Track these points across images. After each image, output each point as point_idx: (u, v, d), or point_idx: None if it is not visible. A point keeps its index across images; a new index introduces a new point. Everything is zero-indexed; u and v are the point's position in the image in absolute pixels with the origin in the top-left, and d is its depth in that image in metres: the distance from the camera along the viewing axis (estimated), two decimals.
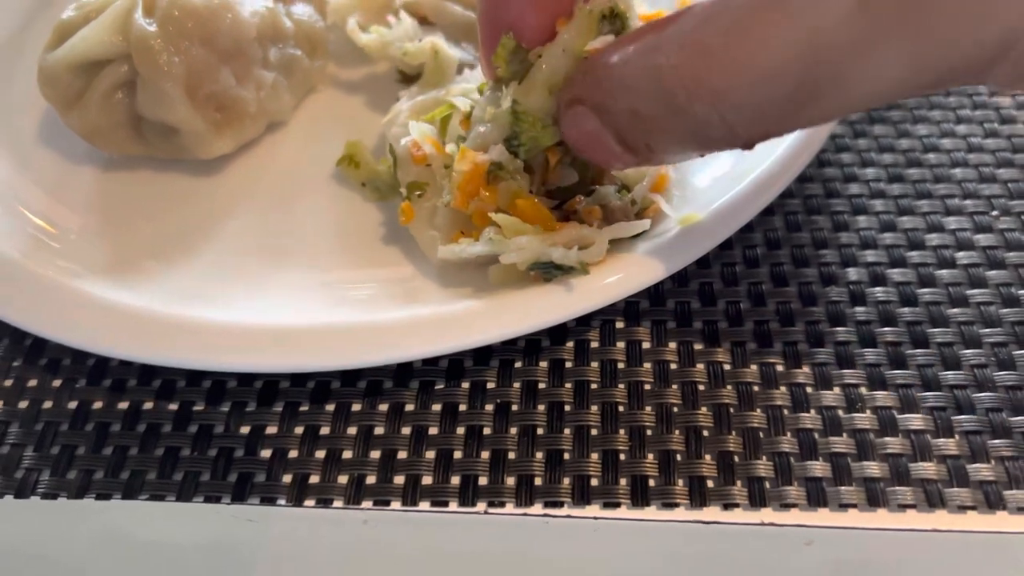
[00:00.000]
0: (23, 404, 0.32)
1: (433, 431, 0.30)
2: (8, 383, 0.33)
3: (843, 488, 0.28)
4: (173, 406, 0.32)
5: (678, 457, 0.29)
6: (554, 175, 0.32)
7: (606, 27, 0.28)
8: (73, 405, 0.32)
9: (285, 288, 0.33)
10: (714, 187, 0.33)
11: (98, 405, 0.32)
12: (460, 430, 0.30)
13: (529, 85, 0.29)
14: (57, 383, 0.33)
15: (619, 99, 0.26)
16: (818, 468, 0.28)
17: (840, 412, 0.30)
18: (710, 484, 0.28)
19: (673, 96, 0.25)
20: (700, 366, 0.31)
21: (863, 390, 0.30)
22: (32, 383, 0.33)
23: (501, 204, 0.30)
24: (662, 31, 0.25)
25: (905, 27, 0.22)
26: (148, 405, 0.32)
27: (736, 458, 0.29)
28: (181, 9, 0.34)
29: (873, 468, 0.28)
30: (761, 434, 0.29)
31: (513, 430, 0.30)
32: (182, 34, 0.34)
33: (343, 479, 0.29)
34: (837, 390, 0.30)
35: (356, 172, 0.36)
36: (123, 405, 0.32)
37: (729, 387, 0.31)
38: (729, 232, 0.32)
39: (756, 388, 0.31)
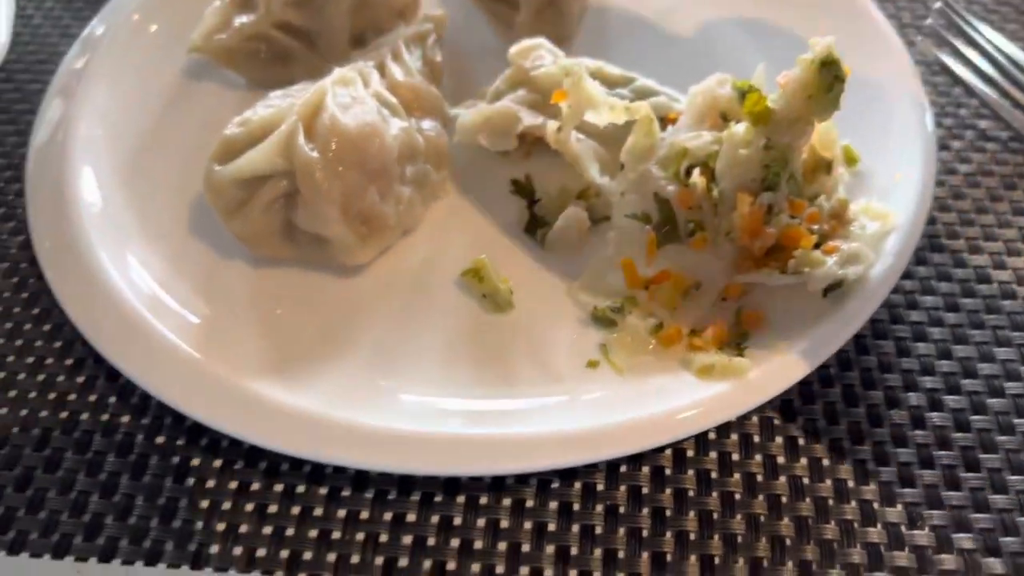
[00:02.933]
0: (189, 482, 0.37)
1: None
2: (175, 461, 0.37)
3: None
4: (323, 490, 0.36)
5: (763, 564, 0.34)
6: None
7: (826, 74, 0.36)
8: (234, 485, 0.37)
9: (418, 392, 0.38)
10: None
11: (256, 487, 0.36)
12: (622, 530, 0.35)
13: (775, 126, 0.37)
14: (218, 463, 0.37)
15: None
16: None
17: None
18: None
19: None
20: (782, 479, 0.36)
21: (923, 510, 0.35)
22: (195, 462, 0.37)
23: (777, 238, 0.38)
24: None
25: None
26: (300, 488, 0.36)
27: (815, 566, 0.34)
28: (339, 136, 0.38)
29: None
30: (835, 544, 0.34)
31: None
32: (339, 160, 0.38)
33: (476, 567, 0.34)
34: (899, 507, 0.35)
35: (479, 285, 0.40)
36: (279, 488, 0.36)
37: (808, 500, 0.36)
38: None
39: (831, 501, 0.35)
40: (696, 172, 0.39)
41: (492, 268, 0.40)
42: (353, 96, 0.40)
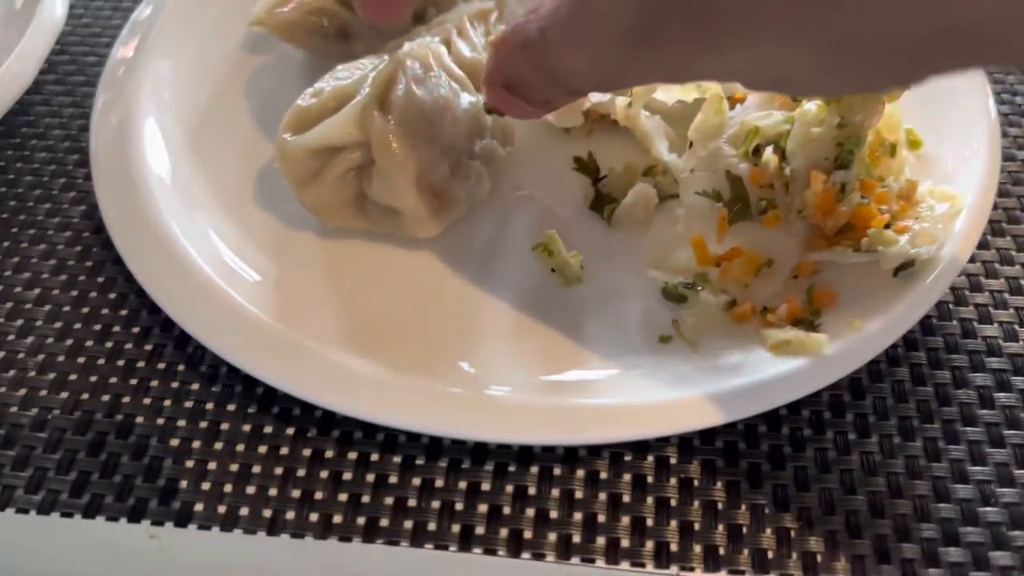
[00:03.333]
0: (262, 449, 0.37)
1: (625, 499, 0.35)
2: (247, 428, 0.38)
3: None
4: (397, 459, 0.36)
5: (839, 537, 0.34)
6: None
7: None
8: (307, 453, 0.37)
9: (496, 363, 0.38)
10: None
11: (329, 454, 0.37)
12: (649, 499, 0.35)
13: (847, 104, 0.38)
14: (291, 431, 0.37)
15: (512, 75, 0.33)
16: None
17: None
18: None
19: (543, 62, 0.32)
20: (855, 456, 0.36)
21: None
22: (268, 429, 0.37)
23: (849, 217, 0.38)
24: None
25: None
26: (375, 456, 0.36)
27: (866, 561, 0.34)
28: (415, 109, 0.38)
29: None
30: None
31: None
32: (414, 132, 0.38)
33: (552, 536, 0.34)
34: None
35: (549, 259, 0.40)
36: (352, 455, 0.37)
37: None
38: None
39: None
40: (769, 151, 0.40)
41: (561, 242, 0.40)
42: (426, 70, 0.40)
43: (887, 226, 0.38)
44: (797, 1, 0.24)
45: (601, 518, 0.35)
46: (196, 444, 0.37)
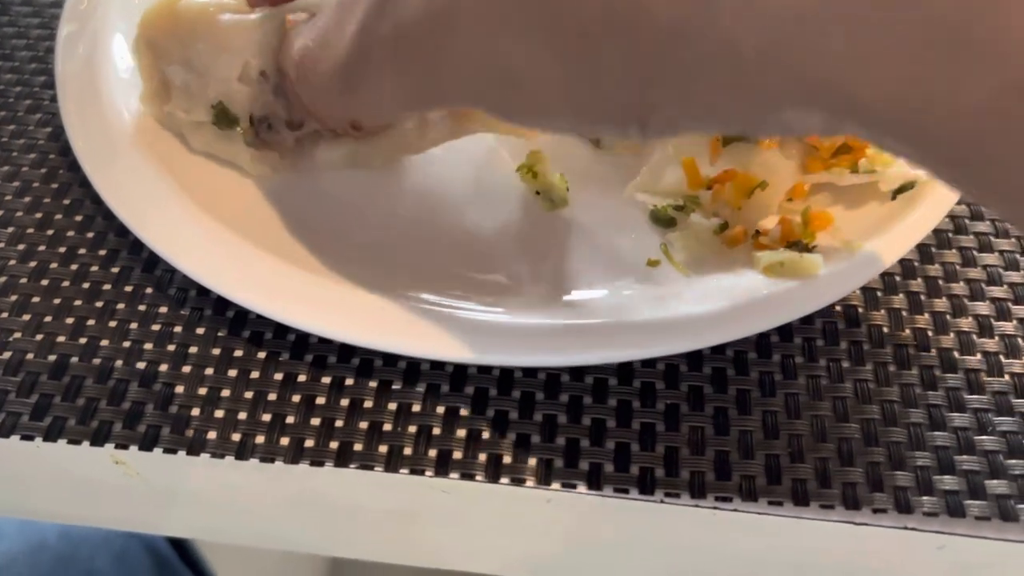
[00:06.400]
0: (232, 373, 0.35)
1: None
2: (216, 351, 0.36)
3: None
4: (373, 383, 0.35)
5: (830, 465, 0.33)
6: None
7: None
8: (279, 377, 0.35)
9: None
10: None
11: (302, 378, 0.35)
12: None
13: None
14: (262, 355, 0.36)
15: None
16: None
17: None
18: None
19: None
20: (848, 384, 0.35)
21: None
22: (238, 353, 0.36)
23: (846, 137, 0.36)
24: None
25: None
26: (349, 381, 0.35)
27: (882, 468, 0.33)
28: None
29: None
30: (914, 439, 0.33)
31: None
32: None
33: (532, 462, 0.33)
34: None
35: (533, 181, 0.39)
36: (326, 380, 0.35)
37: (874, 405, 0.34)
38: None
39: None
40: None
41: (548, 163, 0.39)
42: None
43: None
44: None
45: (584, 444, 0.33)
46: (163, 367, 0.35)
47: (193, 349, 0.36)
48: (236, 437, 0.34)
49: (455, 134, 0.39)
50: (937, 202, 0.36)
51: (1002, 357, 0.36)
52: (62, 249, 0.39)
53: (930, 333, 0.36)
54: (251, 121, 0.38)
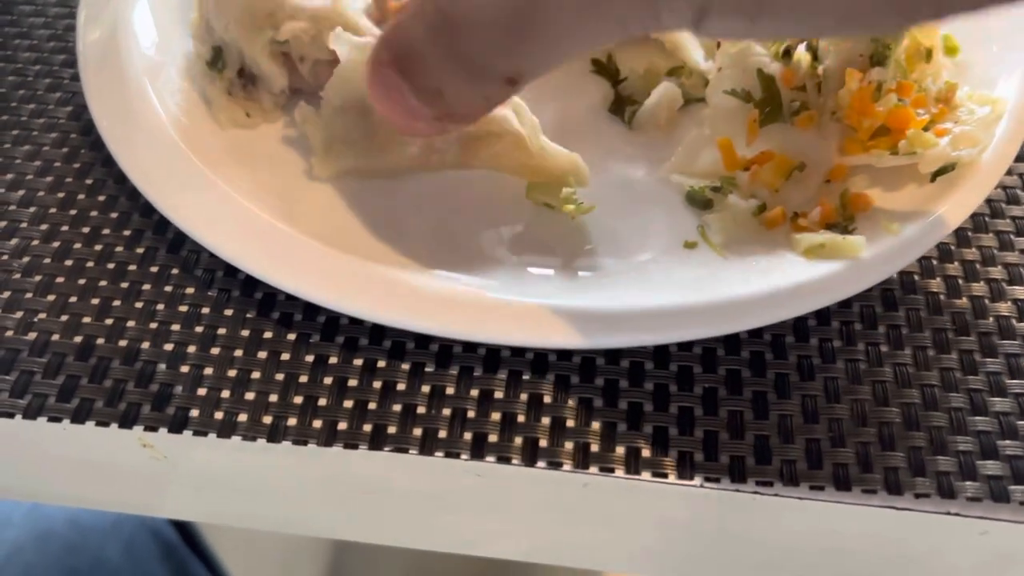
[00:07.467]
0: (262, 354, 0.35)
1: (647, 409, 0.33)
2: (245, 333, 0.35)
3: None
4: (405, 366, 0.34)
5: (871, 449, 0.32)
6: None
7: None
8: (310, 359, 0.35)
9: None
10: None
11: (333, 360, 0.35)
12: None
13: None
14: (292, 336, 0.35)
15: (406, 46, 0.26)
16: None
17: None
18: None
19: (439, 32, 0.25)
20: (887, 368, 0.34)
21: None
22: (268, 335, 0.35)
23: (885, 119, 0.36)
24: None
25: None
26: (381, 363, 0.34)
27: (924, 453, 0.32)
28: None
29: None
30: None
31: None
32: None
33: (569, 445, 0.32)
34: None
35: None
36: (358, 362, 0.35)
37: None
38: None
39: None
40: (801, 48, 0.37)
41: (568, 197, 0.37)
42: None
43: (926, 128, 0.36)
44: None
45: (621, 427, 0.33)
46: (191, 349, 0.35)
47: (222, 330, 0.35)
48: (268, 420, 0.33)
49: (460, 165, 0.38)
50: (977, 185, 0.36)
51: None
52: (86, 229, 0.39)
53: (968, 317, 0.36)
54: (240, 73, 0.39)
